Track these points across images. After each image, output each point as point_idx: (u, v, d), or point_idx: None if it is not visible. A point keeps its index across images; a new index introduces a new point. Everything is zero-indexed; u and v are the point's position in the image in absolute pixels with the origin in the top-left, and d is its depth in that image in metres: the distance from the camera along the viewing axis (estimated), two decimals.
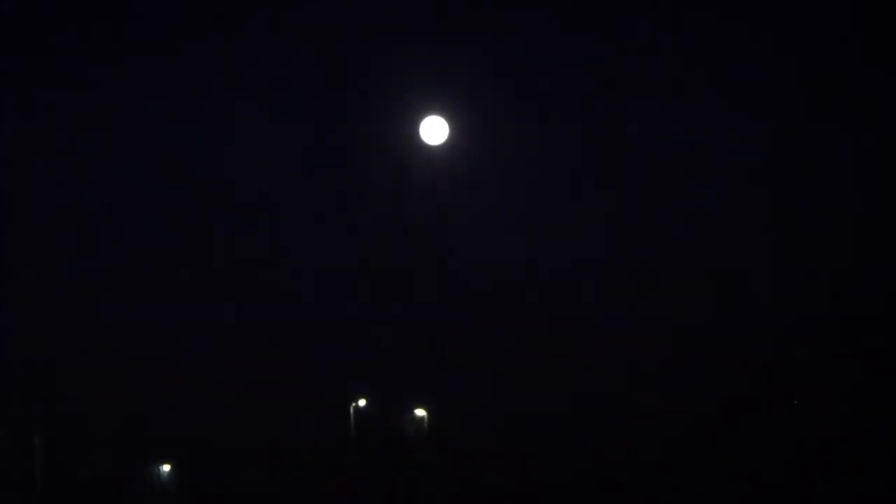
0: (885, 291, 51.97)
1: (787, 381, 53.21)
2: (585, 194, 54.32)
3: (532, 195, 54.68)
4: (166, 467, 54.26)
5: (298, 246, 54.95)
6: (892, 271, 51.86)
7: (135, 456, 53.79)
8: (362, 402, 56.20)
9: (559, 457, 52.15)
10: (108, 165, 53.94)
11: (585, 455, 51.81)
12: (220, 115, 54.43)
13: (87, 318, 54.44)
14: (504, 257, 54.31)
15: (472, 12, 52.96)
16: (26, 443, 54.50)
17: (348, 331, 54.64)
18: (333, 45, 53.41)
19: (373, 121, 52.88)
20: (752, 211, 54.61)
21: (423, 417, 56.30)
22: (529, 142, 54.07)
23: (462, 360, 54.75)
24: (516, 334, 54.55)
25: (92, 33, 53.23)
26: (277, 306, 54.56)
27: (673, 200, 54.10)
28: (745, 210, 54.65)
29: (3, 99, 52.09)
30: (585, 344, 53.83)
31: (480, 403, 54.73)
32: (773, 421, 51.91)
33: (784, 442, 50.77)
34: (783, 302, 53.53)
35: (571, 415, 53.27)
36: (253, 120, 53.89)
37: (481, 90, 52.84)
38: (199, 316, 54.25)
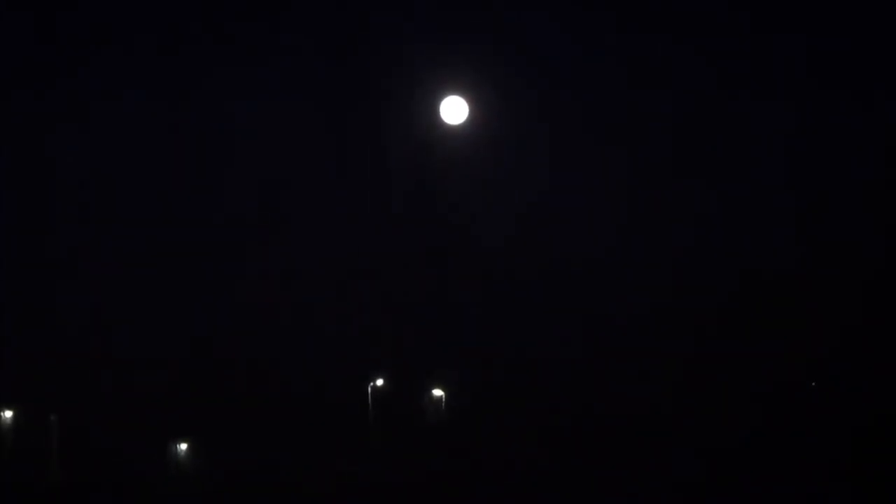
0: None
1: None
2: (603, 172, 54.46)
3: (551, 174, 54.80)
4: (183, 445, 54.33)
5: (319, 226, 55.01)
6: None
7: (152, 434, 53.87)
8: (380, 382, 56.25)
9: (576, 435, 52.36)
10: (128, 154, 54.11)
11: (602, 433, 52.04)
12: (242, 100, 54.48)
13: (105, 299, 54.51)
14: (524, 236, 54.44)
15: None
16: (43, 421, 54.69)
17: (367, 311, 54.71)
18: (355, 27, 53.40)
19: (394, 101, 52.94)
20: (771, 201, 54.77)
21: (440, 397, 56.37)
22: (548, 121, 54.16)
23: (480, 341, 54.86)
24: (536, 313, 54.69)
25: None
26: (297, 287, 54.60)
27: (692, 177, 54.21)
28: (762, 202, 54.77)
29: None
30: (606, 326, 53.94)
31: (497, 383, 54.86)
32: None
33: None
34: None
35: (589, 395, 53.47)
36: (274, 102, 54.08)
37: (501, 71, 52.88)
38: (219, 297, 54.35)
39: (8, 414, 55.31)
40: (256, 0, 53.33)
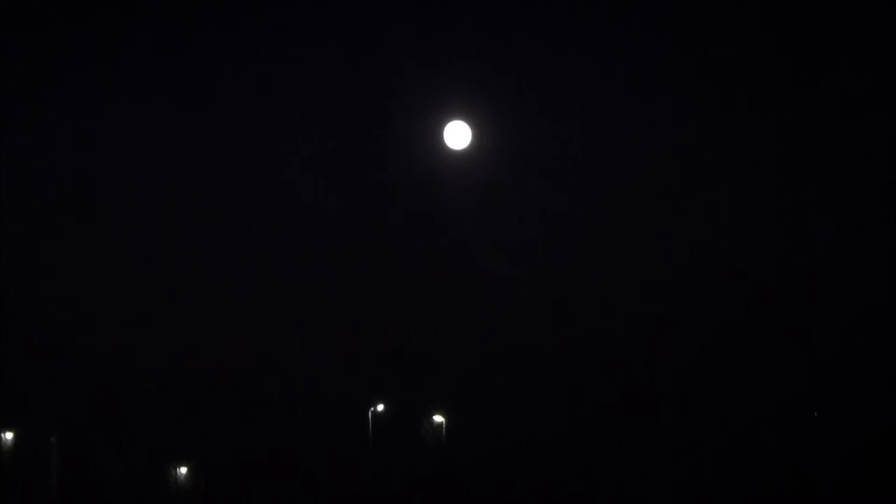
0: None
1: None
2: (608, 198, 54.38)
3: (555, 199, 54.69)
4: (183, 469, 54.18)
5: (321, 249, 55.00)
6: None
7: (152, 457, 53.77)
8: (380, 408, 56.14)
9: (578, 464, 52.22)
10: (131, 161, 54.21)
11: (604, 459, 51.90)
12: (245, 121, 54.58)
13: (104, 318, 54.46)
14: (527, 262, 54.35)
15: (495, 18, 53.19)
16: (43, 443, 54.60)
17: (368, 335, 54.64)
18: (359, 52, 53.59)
19: (397, 126, 53.03)
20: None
21: (440, 423, 56.23)
22: (551, 146, 54.18)
23: (482, 366, 54.74)
24: (538, 340, 54.55)
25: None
26: (298, 309, 54.58)
27: (699, 202, 54.16)
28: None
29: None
30: (608, 353, 53.73)
31: (498, 410, 54.71)
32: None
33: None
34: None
35: (591, 422, 53.32)
36: (278, 125, 54.16)
37: (504, 96, 53.03)
38: (217, 318, 54.26)
39: (8, 435, 55.23)
40: (257, 24, 53.59)
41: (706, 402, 52.25)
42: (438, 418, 56.15)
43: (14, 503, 53.32)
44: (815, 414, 54.25)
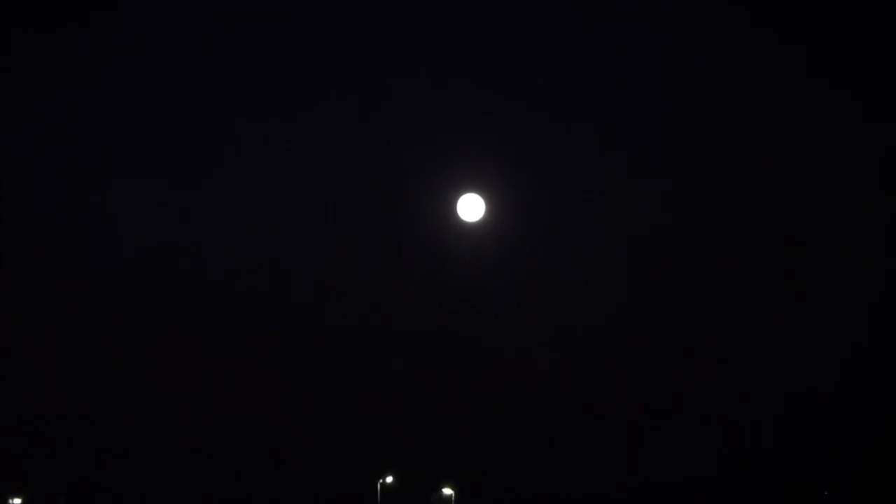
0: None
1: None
2: (621, 271, 54.59)
3: (567, 271, 54.92)
4: None
5: (335, 319, 55.22)
6: None
7: None
8: (389, 479, 56.00)
9: None
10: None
11: None
12: (259, 193, 55.14)
13: (110, 383, 54.60)
14: (538, 333, 54.43)
15: (509, 94, 53.76)
16: None
17: (377, 406, 54.63)
18: (374, 126, 54.18)
19: (412, 198, 53.47)
20: None
21: (450, 496, 56.04)
22: (563, 219, 54.51)
23: (491, 438, 54.61)
24: (549, 411, 54.51)
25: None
26: (307, 379, 54.66)
27: (706, 276, 54.31)
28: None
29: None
30: (624, 425, 53.63)
31: (507, 482, 54.55)
32: None
33: None
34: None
35: (601, 492, 53.23)
36: (295, 195, 54.65)
37: (517, 169, 53.49)
38: (229, 389, 54.38)
39: (17, 501, 55.25)
40: (271, 100, 54.40)
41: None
42: (447, 491, 56.02)
43: None
44: (826, 493, 54.13)
